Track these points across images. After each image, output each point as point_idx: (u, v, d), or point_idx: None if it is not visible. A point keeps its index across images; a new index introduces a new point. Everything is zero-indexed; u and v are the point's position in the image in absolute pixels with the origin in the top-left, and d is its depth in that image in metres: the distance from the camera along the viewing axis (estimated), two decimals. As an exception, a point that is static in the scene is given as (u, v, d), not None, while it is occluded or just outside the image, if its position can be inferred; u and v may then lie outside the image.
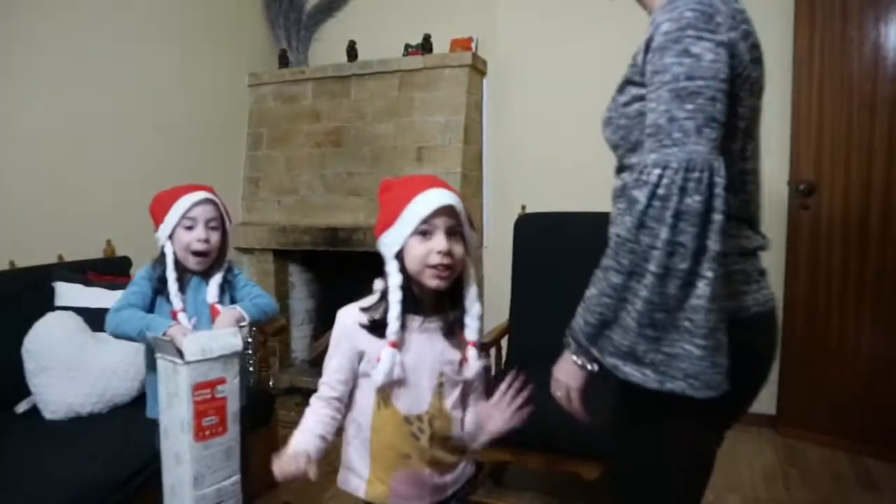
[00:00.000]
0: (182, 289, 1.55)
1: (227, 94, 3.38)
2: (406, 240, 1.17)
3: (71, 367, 1.93)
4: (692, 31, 0.89)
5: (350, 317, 1.23)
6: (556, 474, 2.02)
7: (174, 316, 1.51)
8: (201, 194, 1.56)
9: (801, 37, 2.57)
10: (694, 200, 0.85)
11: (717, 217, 0.86)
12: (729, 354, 0.90)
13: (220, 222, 1.59)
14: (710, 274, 0.86)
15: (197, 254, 1.55)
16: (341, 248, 3.12)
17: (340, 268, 3.49)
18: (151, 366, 1.52)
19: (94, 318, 2.06)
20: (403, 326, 1.17)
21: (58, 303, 2.10)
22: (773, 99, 2.73)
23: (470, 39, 3.16)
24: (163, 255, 1.54)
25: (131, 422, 1.83)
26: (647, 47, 0.95)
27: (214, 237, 1.57)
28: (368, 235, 3.04)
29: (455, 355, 1.20)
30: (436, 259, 1.14)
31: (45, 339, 1.95)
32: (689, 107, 0.87)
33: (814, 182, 2.59)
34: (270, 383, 2.72)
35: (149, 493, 1.62)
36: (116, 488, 1.63)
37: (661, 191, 0.87)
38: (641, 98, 0.97)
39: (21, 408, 1.98)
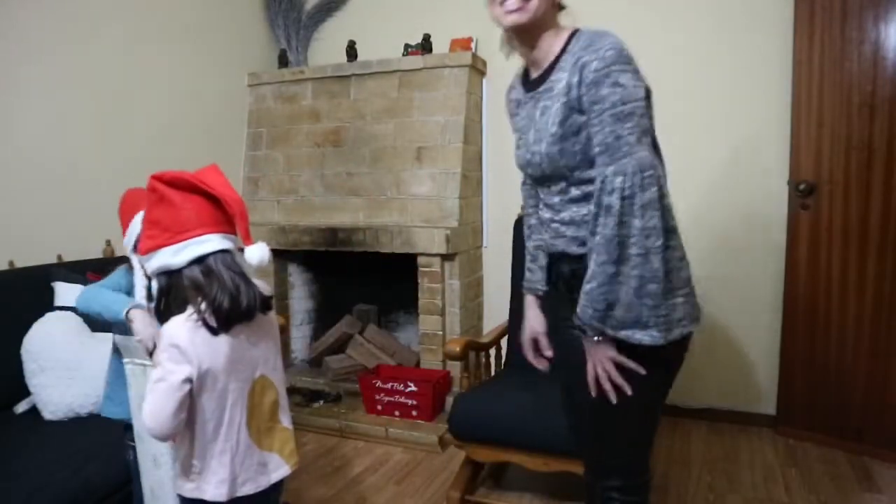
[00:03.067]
0: (150, 295, 1.47)
1: (226, 93, 3.38)
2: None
3: (70, 367, 1.92)
4: (616, 66, 1.14)
5: None
6: (556, 474, 2.02)
7: None
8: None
9: (801, 37, 2.56)
10: (651, 192, 1.12)
11: (668, 200, 1.15)
12: None
13: None
14: (675, 242, 1.17)
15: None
16: (341, 248, 3.12)
17: (340, 268, 3.49)
18: (114, 365, 1.52)
19: (94, 319, 2.07)
20: None
21: (57, 303, 2.10)
22: (773, 99, 2.74)
23: (470, 39, 3.16)
24: (131, 266, 1.53)
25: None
26: (580, 83, 1.17)
27: None
28: (368, 235, 3.04)
29: None
30: None
31: (45, 339, 1.95)
32: (629, 125, 1.14)
33: (814, 182, 2.59)
34: (270, 383, 2.72)
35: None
36: (116, 488, 1.63)
37: (626, 192, 1.12)
38: (585, 124, 1.19)
39: (20, 408, 1.98)
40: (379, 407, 2.92)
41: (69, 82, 2.50)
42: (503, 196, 3.16)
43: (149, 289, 1.47)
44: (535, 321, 1.51)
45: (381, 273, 3.37)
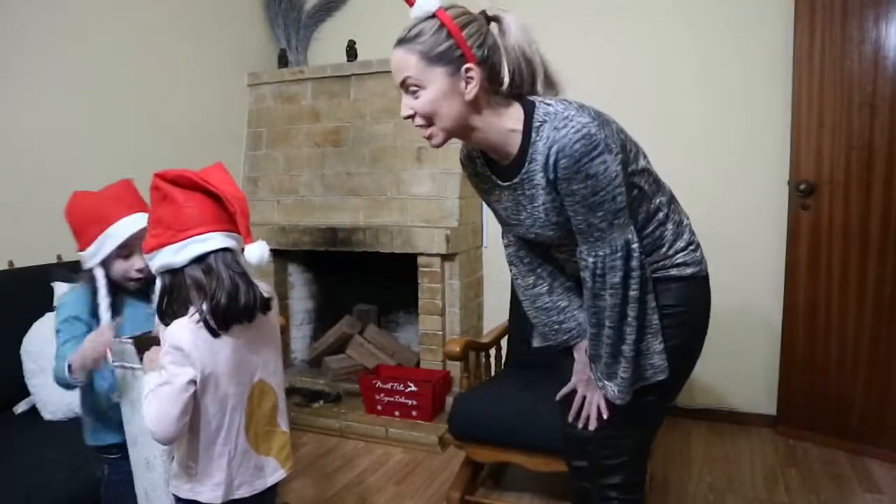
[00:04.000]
0: (117, 310, 1.42)
1: (226, 93, 3.38)
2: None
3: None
4: (585, 158, 1.11)
5: None
6: (556, 474, 2.02)
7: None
8: (139, 222, 1.41)
9: (801, 36, 2.56)
10: (618, 274, 1.17)
11: (635, 274, 1.18)
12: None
13: None
14: (646, 312, 1.21)
15: (135, 280, 1.45)
16: (341, 248, 3.12)
17: (340, 268, 3.49)
18: (86, 391, 1.46)
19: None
20: None
21: (57, 303, 2.10)
22: (773, 99, 2.74)
23: (470, 39, 3.15)
24: (92, 278, 1.42)
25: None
26: (556, 179, 1.16)
27: None
28: (368, 235, 3.04)
29: None
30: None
31: (45, 339, 1.94)
32: (599, 213, 1.15)
33: (814, 182, 2.59)
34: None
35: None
36: (116, 489, 1.62)
37: (598, 271, 1.19)
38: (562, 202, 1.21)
39: (20, 408, 1.98)
40: (379, 407, 2.92)
41: (69, 82, 2.50)
42: (503, 196, 3.15)
43: (145, 289, 1.45)
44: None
45: (381, 273, 3.37)
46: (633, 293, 1.18)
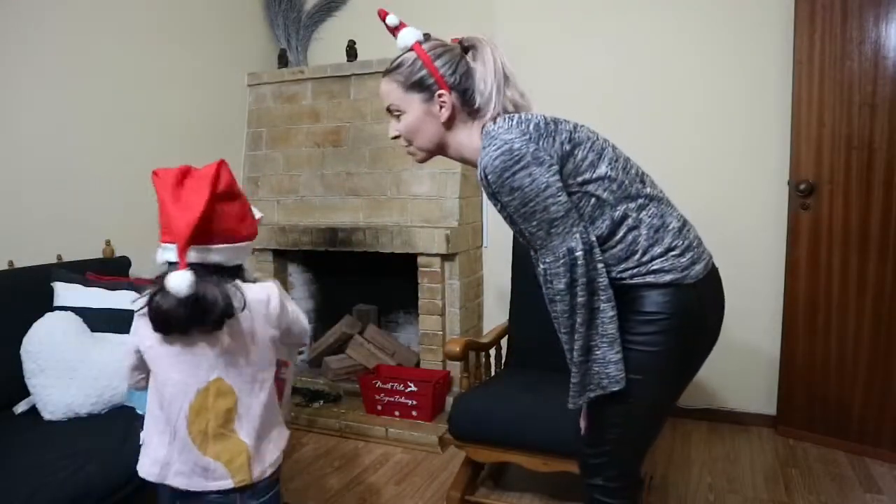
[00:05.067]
0: None
1: (226, 93, 3.38)
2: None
3: (70, 367, 1.92)
4: (507, 173, 1.18)
5: None
6: (556, 474, 2.02)
7: None
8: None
9: (801, 37, 2.56)
10: (560, 282, 1.21)
11: (581, 281, 1.20)
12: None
13: None
14: (581, 319, 1.22)
15: None
16: (341, 248, 3.12)
17: (340, 268, 3.49)
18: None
19: (93, 319, 2.06)
20: None
21: (57, 303, 2.10)
22: (773, 99, 2.74)
23: (470, 39, 3.15)
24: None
25: (130, 422, 1.83)
26: (490, 189, 1.23)
27: None
28: (368, 235, 3.04)
29: None
30: None
31: (44, 339, 1.94)
32: (534, 222, 1.21)
33: (814, 182, 2.59)
34: (270, 383, 2.72)
35: (149, 492, 1.61)
36: (115, 489, 1.62)
37: (548, 278, 1.23)
38: None
39: (20, 408, 1.98)
40: (379, 407, 2.92)
41: (69, 82, 2.50)
42: (503, 196, 3.15)
43: None
44: None
45: (381, 273, 3.37)
46: (580, 300, 1.20)
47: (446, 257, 2.97)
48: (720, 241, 2.88)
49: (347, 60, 3.30)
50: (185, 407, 1.23)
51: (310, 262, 3.54)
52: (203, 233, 1.16)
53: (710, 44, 2.83)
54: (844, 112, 2.50)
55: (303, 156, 3.39)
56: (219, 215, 1.19)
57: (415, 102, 1.31)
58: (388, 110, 1.37)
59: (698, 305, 1.29)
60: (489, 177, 1.21)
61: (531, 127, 1.23)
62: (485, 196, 3.30)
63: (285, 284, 3.50)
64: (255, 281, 1.33)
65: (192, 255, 1.17)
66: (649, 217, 1.26)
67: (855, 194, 2.50)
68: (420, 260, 2.99)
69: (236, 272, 1.27)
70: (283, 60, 3.52)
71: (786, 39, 2.66)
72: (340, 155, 3.31)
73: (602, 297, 1.22)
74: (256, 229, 1.30)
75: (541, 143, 1.21)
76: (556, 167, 1.20)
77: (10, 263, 2.22)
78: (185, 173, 1.19)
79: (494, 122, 1.27)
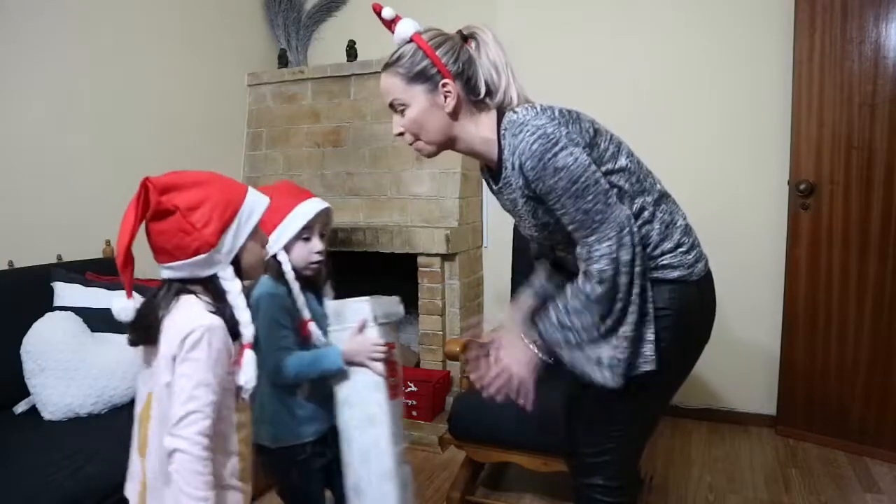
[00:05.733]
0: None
1: (226, 93, 3.38)
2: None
3: (70, 367, 1.92)
4: (548, 154, 1.15)
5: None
6: (556, 474, 2.02)
7: (305, 327, 1.47)
8: (321, 203, 1.52)
9: (801, 37, 2.56)
10: (627, 253, 1.16)
11: (639, 249, 1.18)
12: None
13: (327, 228, 1.56)
14: (638, 290, 1.20)
15: (313, 264, 1.52)
16: (341, 249, 3.11)
17: (340, 268, 3.48)
18: (281, 388, 1.46)
19: (94, 319, 2.06)
20: None
21: (57, 303, 2.10)
22: (773, 99, 2.74)
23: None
24: (279, 269, 1.46)
25: (130, 422, 1.82)
26: (528, 182, 1.20)
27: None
28: (368, 235, 3.04)
29: None
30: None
31: (44, 339, 1.94)
32: (589, 197, 1.16)
33: (814, 182, 2.59)
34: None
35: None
36: (115, 488, 1.62)
37: (613, 255, 1.16)
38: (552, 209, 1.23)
39: (20, 408, 1.98)
40: (379, 407, 2.92)
41: (68, 82, 2.50)
42: (503, 196, 3.15)
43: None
44: None
45: (381, 273, 3.36)
46: (637, 269, 1.18)
47: (446, 257, 2.97)
48: (720, 241, 2.89)
49: (347, 60, 3.30)
50: (136, 416, 1.20)
51: (310, 262, 3.54)
52: (155, 252, 1.15)
53: (710, 43, 2.83)
54: (844, 112, 2.49)
55: (303, 156, 3.39)
56: (155, 235, 1.12)
57: (419, 94, 1.26)
58: (391, 106, 1.30)
59: (700, 303, 1.30)
60: (527, 163, 1.17)
61: (556, 112, 1.21)
62: (485, 196, 3.31)
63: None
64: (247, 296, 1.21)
65: (166, 272, 1.15)
66: (661, 213, 1.27)
67: (855, 194, 2.50)
68: (420, 260, 2.99)
69: (206, 286, 1.16)
70: (283, 60, 3.52)
71: (786, 39, 2.66)
72: (340, 155, 3.31)
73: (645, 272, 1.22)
74: (205, 241, 1.12)
75: (570, 126, 1.20)
76: (587, 150, 1.19)
77: (10, 263, 2.22)
78: (139, 192, 1.11)
79: (515, 113, 1.22)
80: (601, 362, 1.21)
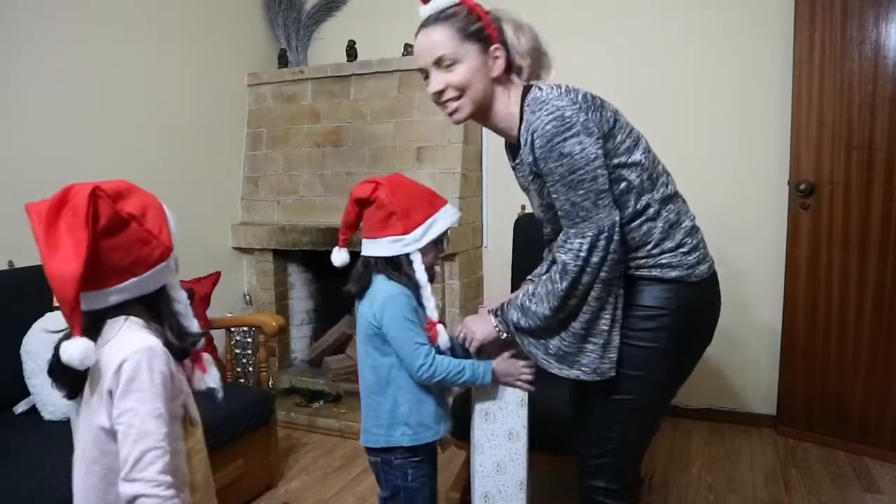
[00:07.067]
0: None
1: (226, 93, 3.38)
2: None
3: (70, 367, 1.92)
4: (558, 137, 1.16)
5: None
6: (557, 475, 2.02)
7: (433, 327, 1.46)
8: (455, 212, 1.52)
9: (801, 37, 2.56)
10: (598, 255, 1.17)
11: (613, 256, 1.18)
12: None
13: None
14: (609, 295, 1.23)
15: (432, 269, 1.51)
16: (341, 248, 3.11)
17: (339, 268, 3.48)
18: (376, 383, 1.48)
19: (94, 319, 2.06)
20: None
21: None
22: (773, 99, 2.74)
23: (470, 39, 3.15)
24: (410, 267, 1.45)
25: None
26: (535, 160, 1.21)
27: None
28: (368, 235, 3.03)
29: None
30: None
31: (45, 339, 1.94)
32: (581, 192, 1.17)
33: (814, 182, 2.59)
34: (270, 383, 2.72)
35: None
36: (116, 489, 1.62)
37: (583, 254, 1.18)
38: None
39: (20, 408, 1.98)
40: (379, 407, 2.92)
41: (68, 82, 2.50)
42: (503, 196, 3.15)
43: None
44: None
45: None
46: (603, 275, 1.19)
47: (446, 257, 2.97)
48: (720, 242, 2.89)
49: (347, 60, 3.30)
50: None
51: (310, 262, 3.54)
52: (92, 279, 0.97)
53: (710, 44, 2.83)
54: (844, 112, 2.50)
55: (303, 156, 3.39)
56: (107, 253, 0.98)
57: (472, 53, 1.25)
58: (437, 62, 1.25)
59: (699, 305, 1.30)
60: (537, 141, 1.19)
61: (580, 97, 1.22)
62: (485, 196, 3.31)
63: (285, 284, 3.50)
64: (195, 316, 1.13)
65: (112, 298, 1.00)
66: (667, 212, 1.27)
67: (855, 194, 2.50)
68: (420, 260, 2.99)
69: (148, 303, 1.07)
70: (283, 60, 3.52)
71: (786, 39, 2.66)
72: (340, 155, 3.31)
73: (618, 277, 1.23)
74: (166, 247, 1.05)
75: (590, 114, 1.20)
76: (601, 141, 1.19)
77: (10, 263, 2.22)
78: (59, 205, 0.99)
79: (540, 90, 1.24)
80: (549, 351, 1.28)
